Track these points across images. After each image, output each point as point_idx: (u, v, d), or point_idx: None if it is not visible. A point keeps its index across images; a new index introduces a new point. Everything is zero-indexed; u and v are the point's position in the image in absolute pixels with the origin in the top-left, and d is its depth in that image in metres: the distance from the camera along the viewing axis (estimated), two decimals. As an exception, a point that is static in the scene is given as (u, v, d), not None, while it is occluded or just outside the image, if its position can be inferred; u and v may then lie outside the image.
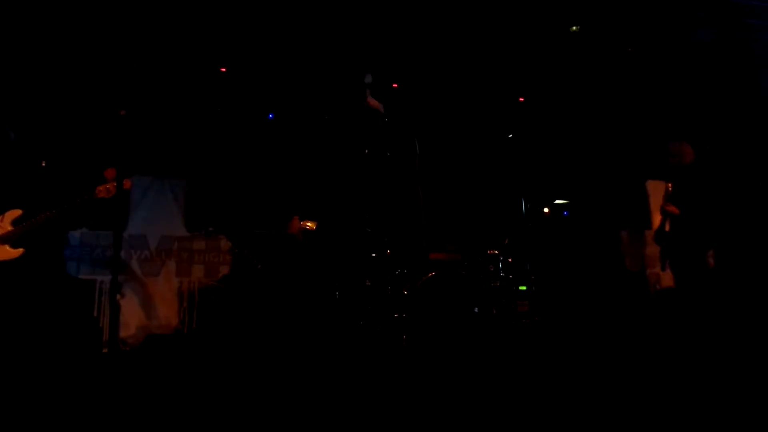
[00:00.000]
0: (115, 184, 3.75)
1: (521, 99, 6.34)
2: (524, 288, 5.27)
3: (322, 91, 5.80)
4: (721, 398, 2.68)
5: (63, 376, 3.54)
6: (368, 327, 4.61)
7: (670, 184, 4.46)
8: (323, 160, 5.72)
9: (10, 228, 3.68)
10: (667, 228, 4.51)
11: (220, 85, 5.59)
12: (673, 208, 4.41)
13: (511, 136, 5.03)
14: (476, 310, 4.54)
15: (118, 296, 5.14)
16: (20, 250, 3.68)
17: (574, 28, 4.97)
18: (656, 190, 5.05)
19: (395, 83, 6.04)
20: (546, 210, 6.26)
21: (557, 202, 6.42)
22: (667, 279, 5.00)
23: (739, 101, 5.86)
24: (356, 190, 5.19)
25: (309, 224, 4.78)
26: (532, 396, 2.92)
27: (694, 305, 4.39)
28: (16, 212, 3.73)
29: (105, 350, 4.94)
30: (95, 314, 5.21)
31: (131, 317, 5.24)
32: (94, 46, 5.02)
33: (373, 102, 4.56)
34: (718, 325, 4.19)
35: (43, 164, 4.02)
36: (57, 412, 2.66)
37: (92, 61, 5.11)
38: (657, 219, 4.74)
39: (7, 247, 3.66)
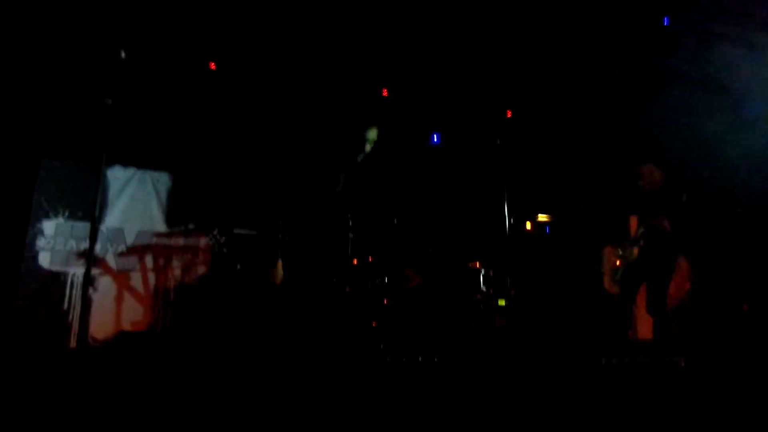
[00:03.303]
0: None
1: (509, 113, 6.39)
2: (503, 302, 5.27)
3: (311, 92, 5.78)
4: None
5: (28, 371, 3.43)
6: (346, 334, 4.56)
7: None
8: (309, 162, 5.68)
9: None
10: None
11: (208, 80, 5.51)
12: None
13: (499, 141, 5.07)
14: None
15: (91, 290, 5.01)
16: None
17: None
18: (610, 257, 5.18)
19: (384, 89, 6.03)
20: (528, 225, 6.30)
21: (540, 218, 6.46)
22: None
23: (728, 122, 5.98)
24: (340, 195, 5.16)
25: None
26: (506, 408, 2.91)
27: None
28: None
29: (73, 345, 4.82)
30: (65, 308, 5.08)
31: (103, 313, 5.11)
32: (81, 34, 4.92)
33: None
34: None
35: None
36: (22, 408, 2.57)
37: (78, 49, 5.00)
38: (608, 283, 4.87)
39: None
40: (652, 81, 5.82)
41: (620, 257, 4.89)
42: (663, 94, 5.82)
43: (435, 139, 6.46)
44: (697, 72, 5.68)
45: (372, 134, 4.96)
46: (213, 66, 5.45)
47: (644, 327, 5.13)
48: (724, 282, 5.55)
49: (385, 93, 6.04)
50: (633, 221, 4.89)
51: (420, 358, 4.10)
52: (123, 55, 3.93)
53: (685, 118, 5.90)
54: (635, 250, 4.73)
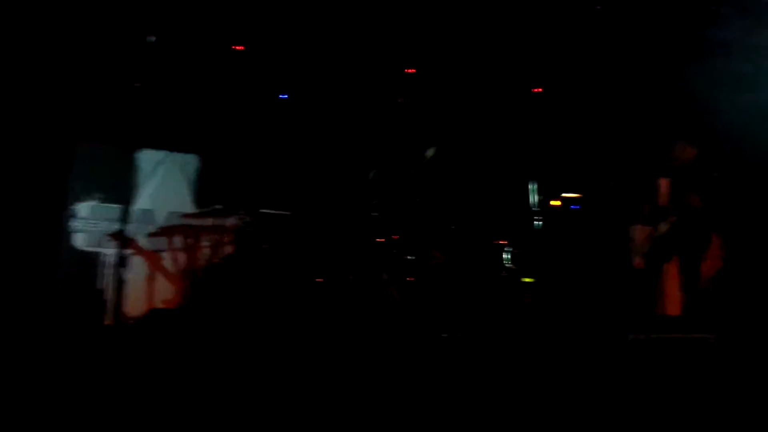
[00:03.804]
0: None
1: (537, 90, 6.25)
2: (530, 280, 5.24)
3: (336, 74, 5.77)
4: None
5: (66, 347, 3.57)
6: (372, 310, 4.61)
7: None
8: (334, 142, 5.70)
9: None
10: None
11: (236, 63, 5.55)
12: None
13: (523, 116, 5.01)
14: None
15: (123, 270, 5.16)
16: None
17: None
18: (641, 235, 5.06)
19: (410, 69, 5.97)
20: (556, 202, 6.21)
21: (566, 195, 6.36)
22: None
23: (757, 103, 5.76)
24: (365, 174, 5.17)
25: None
26: (531, 384, 2.91)
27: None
28: None
29: (109, 322, 4.98)
30: (100, 287, 5.25)
31: (135, 291, 5.27)
32: (109, 18, 4.99)
33: None
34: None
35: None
36: (60, 384, 2.68)
37: (107, 33, 5.08)
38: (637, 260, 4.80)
39: None
40: (692, 52, 5.62)
41: (650, 233, 4.81)
42: (703, 65, 5.62)
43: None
44: (741, 42, 5.46)
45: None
46: (240, 48, 5.47)
47: (673, 303, 5.04)
48: (757, 259, 5.39)
49: (409, 71, 5.98)
50: (663, 195, 4.79)
51: (444, 335, 4.13)
52: (151, 38, 3.99)
53: (725, 91, 5.69)
54: (665, 227, 4.64)
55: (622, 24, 5.38)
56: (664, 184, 4.92)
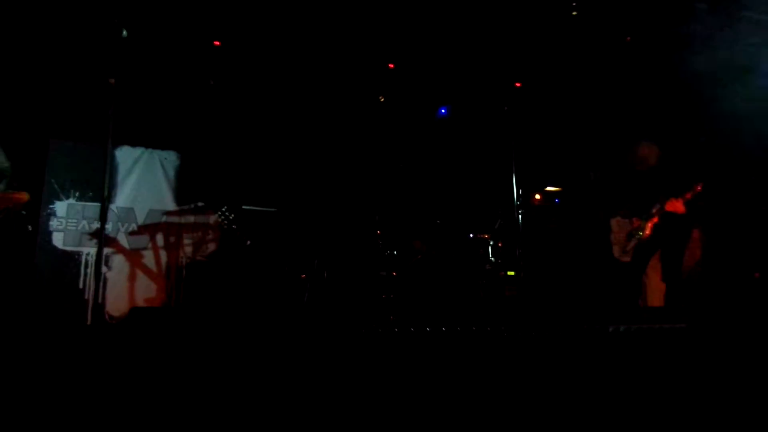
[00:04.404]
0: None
1: (518, 84, 6.29)
2: (512, 273, 5.28)
3: (317, 71, 5.74)
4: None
5: (46, 348, 3.51)
6: (356, 307, 4.62)
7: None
8: (312, 138, 5.68)
9: None
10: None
11: (214, 57, 5.49)
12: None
13: (506, 108, 5.02)
14: None
15: (104, 269, 5.10)
16: None
17: None
18: (620, 228, 5.11)
19: (391, 63, 5.97)
20: (537, 196, 6.26)
21: (549, 189, 6.42)
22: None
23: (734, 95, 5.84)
24: (345, 169, 5.16)
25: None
26: (514, 377, 2.93)
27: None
28: None
29: (89, 322, 4.92)
30: (80, 286, 5.17)
31: (117, 290, 5.21)
32: (83, 13, 4.90)
33: None
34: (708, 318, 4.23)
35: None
36: (40, 384, 2.64)
37: (81, 29, 4.99)
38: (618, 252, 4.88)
39: None
40: (669, 47, 5.67)
41: (632, 231, 4.88)
42: (681, 59, 5.68)
43: (443, 111, 6.40)
44: (716, 36, 5.52)
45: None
46: (217, 43, 5.41)
47: (655, 295, 5.12)
48: (735, 250, 5.49)
49: (391, 66, 5.97)
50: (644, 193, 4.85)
51: (428, 329, 4.14)
52: (125, 33, 3.93)
53: (706, 88, 5.75)
54: (648, 226, 4.71)
55: (601, 20, 5.42)
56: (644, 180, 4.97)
